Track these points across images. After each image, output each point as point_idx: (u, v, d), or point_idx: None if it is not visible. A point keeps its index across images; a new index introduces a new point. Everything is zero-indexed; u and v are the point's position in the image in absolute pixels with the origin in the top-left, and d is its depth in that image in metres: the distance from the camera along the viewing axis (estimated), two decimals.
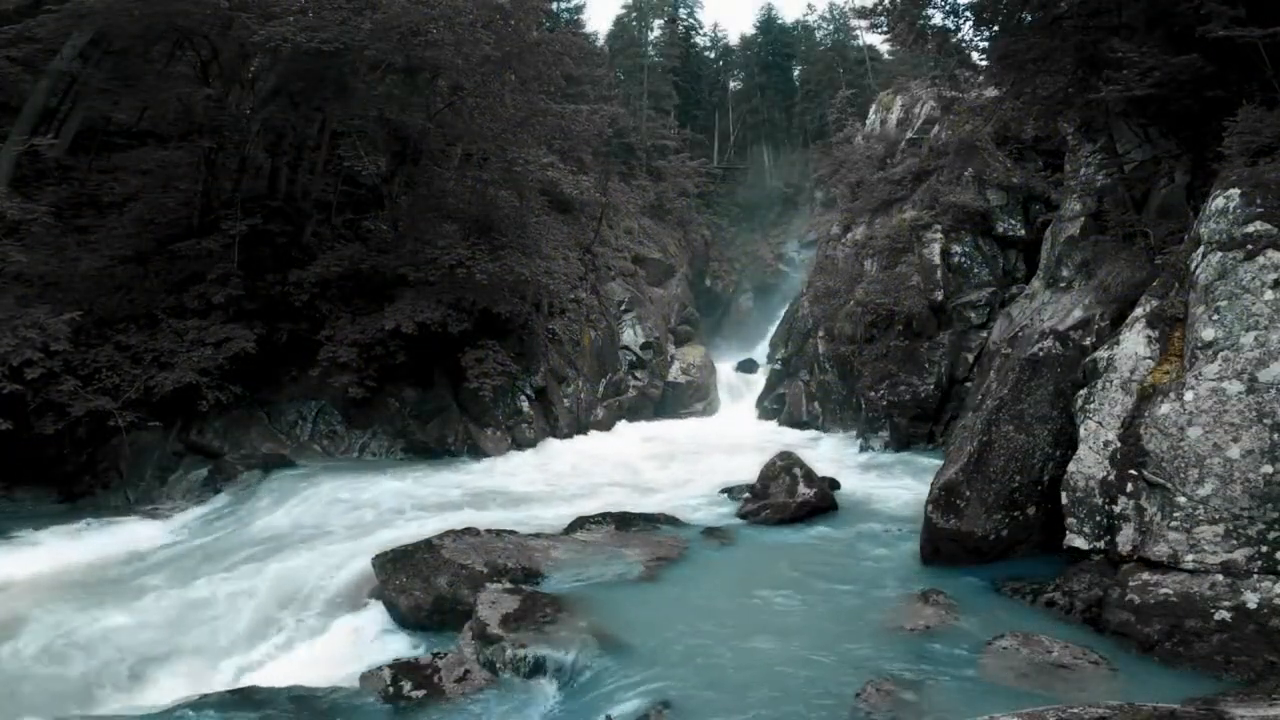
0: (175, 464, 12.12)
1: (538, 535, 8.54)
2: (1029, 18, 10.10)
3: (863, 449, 15.77)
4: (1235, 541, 5.47)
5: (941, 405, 15.71)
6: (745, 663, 5.45)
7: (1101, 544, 6.25)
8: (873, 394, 16.03)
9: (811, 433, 18.69)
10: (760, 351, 27.28)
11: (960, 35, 11.68)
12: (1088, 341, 8.21)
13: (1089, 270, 12.55)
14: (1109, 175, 11.40)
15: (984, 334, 15.89)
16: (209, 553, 8.97)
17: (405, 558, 7.41)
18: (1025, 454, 7.33)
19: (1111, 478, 6.24)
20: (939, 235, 17.29)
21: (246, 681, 5.96)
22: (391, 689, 5.60)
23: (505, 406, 15.90)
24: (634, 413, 21.16)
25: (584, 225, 22.36)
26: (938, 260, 16.95)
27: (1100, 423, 6.52)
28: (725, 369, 26.04)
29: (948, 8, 11.59)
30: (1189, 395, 5.89)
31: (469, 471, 13.23)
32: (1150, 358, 6.52)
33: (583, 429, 18.31)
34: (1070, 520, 6.48)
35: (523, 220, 16.27)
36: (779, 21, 48.35)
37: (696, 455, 15.42)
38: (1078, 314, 11.17)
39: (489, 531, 8.26)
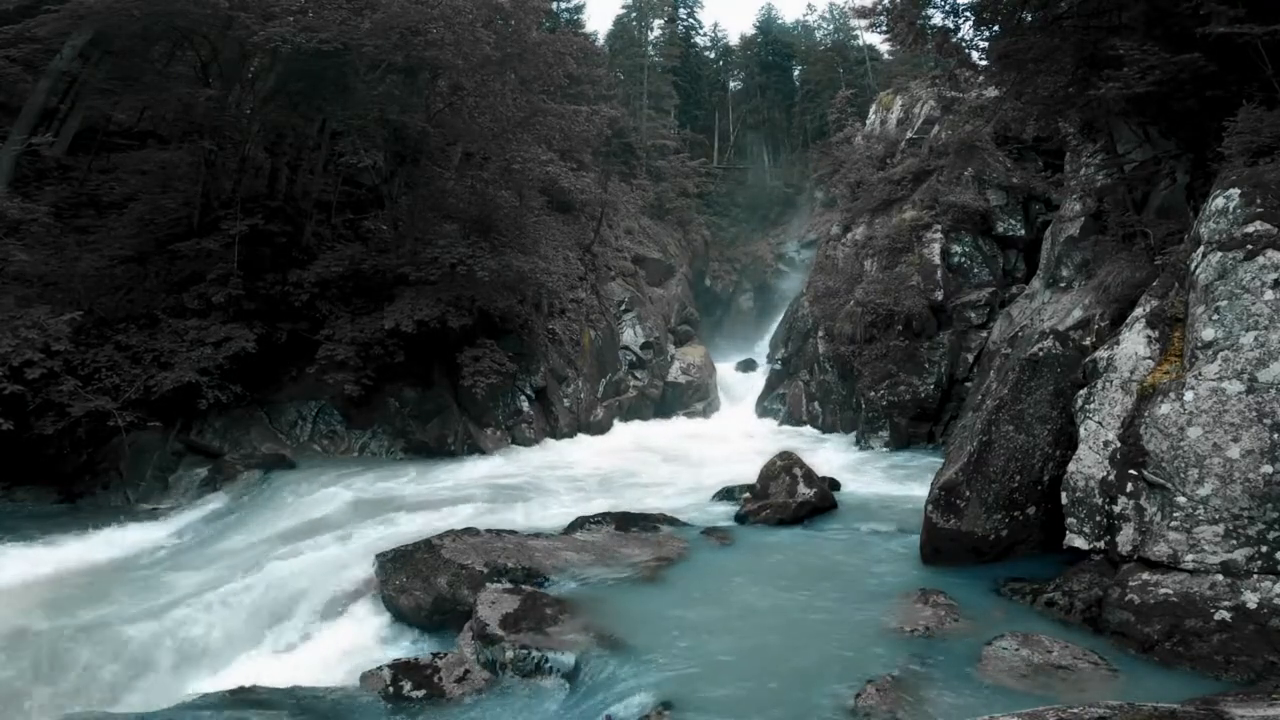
0: (175, 464, 12.11)
1: (537, 535, 8.55)
2: (1029, 17, 10.08)
3: (863, 449, 15.77)
4: (1235, 541, 5.47)
5: (941, 405, 15.71)
6: (745, 663, 5.45)
7: (1101, 544, 6.24)
8: (873, 394, 16.04)
9: (811, 433, 18.70)
10: (760, 351, 27.29)
11: (960, 35, 11.66)
12: (1088, 341, 8.21)
13: (1089, 270, 12.55)
14: (1109, 175, 11.39)
15: (984, 334, 15.89)
16: (209, 553, 8.98)
17: (405, 558, 7.41)
18: (1025, 454, 7.33)
19: (1111, 478, 6.24)
20: (939, 235, 17.30)
21: (246, 681, 5.95)
22: (391, 689, 5.60)
23: (505, 406, 15.90)
24: (634, 412, 21.17)
25: (584, 225, 22.37)
26: (938, 260, 16.96)
27: (1100, 423, 6.52)
28: (725, 369, 26.05)
29: (948, 8, 11.57)
30: (1189, 395, 5.89)
31: (469, 471, 13.22)
32: (1150, 358, 6.51)
33: (583, 429, 18.32)
34: (1070, 520, 6.47)
35: (522, 220, 16.28)
36: (779, 21, 48.46)
37: (696, 455, 15.42)
38: (1078, 314, 11.17)
39: (489, 531, 8.27)
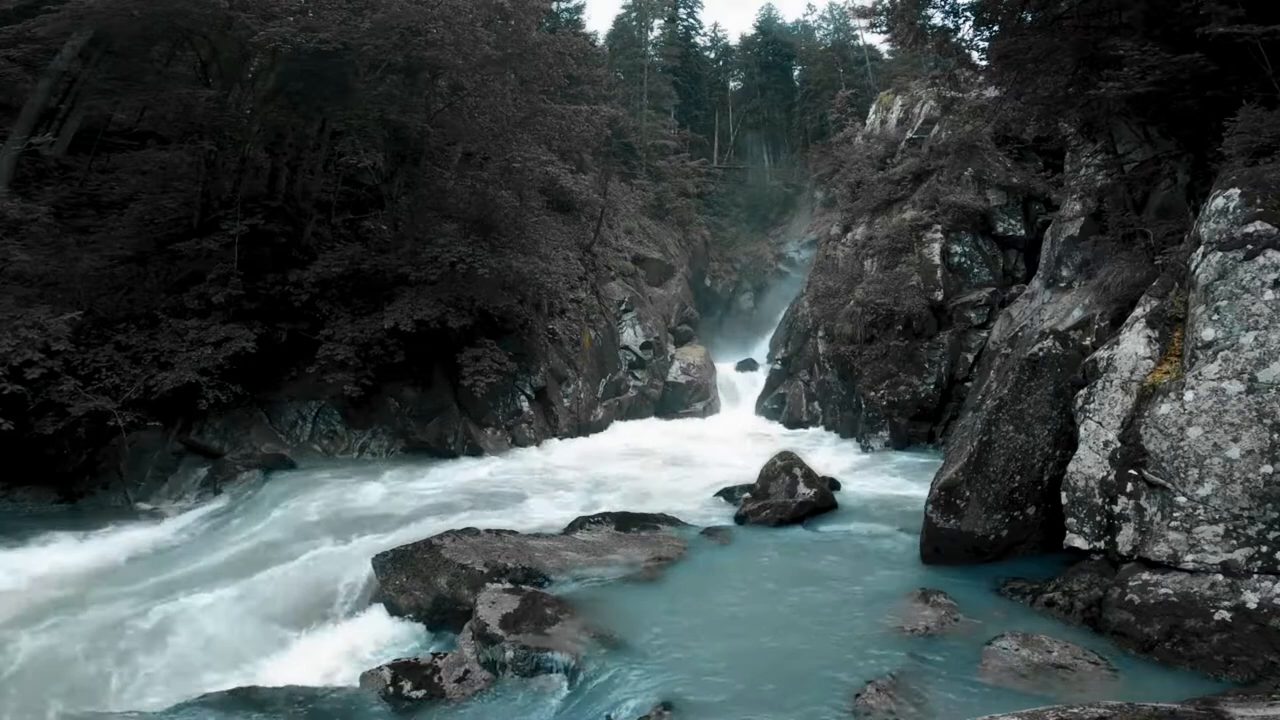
0: (175, 464, 12.10)
1: (538, 535, 8.55)
2: (1029, 17, 10.09)
3: (863, 449, 15.77)
4: (1235, 541, 5.47)
5: (941, 405, 15.71)
6: (745, 663, 5.45)
7: (1101, 544, 6.25)
8: (873, 394, 16.03)
9: (811, 433, 18.68)
10: (760, 351, 27.27)
11: (960, 35, 11.67)
12: (1088, 341, 8.21)
13: (1089, 270, 12.56)
14: (1109, 175, 11.40)
15: (984, 334, 15.89)
16: (209, 553, 8.97)
17: (405, 558, 7.41)
18: (1025, 454, 7.33)
19: (1111, 478, 6.24)
20: (939, 235, 17.29)
21: (246, 681, 5.96)
22: (391, 689, 5.61)
23: (505, 406, 15.89)
24: (634, 413, 21.15)
25: (584, 225, 22.36)
26: (938, 260, 16.96)
27: (1100, 423, 6.52)
28: (725, 369, 26.03)
29: (948, 8, 11.57)
30: (1189, 395, 5.89)
31: (469, 471, 13.20)
32: (1150, 358, 6.52)
33: (583, 429, 18.30)
34: (1070, 520, 6.48)
35: (522, 221, 16.27)
36: (779, 21, 48.40)
37: (696, 455, 15.41)
38: (1078, 314, 11.18)
39: (489, 531, 8.27)
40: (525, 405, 16.33)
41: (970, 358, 15.89)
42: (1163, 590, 5.59)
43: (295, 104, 14.44)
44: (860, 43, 42.02)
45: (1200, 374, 5.90)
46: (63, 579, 8.11)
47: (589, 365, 19.71)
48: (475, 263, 13.60)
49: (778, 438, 17.66)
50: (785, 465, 10.25)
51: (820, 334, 19.50)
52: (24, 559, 8.60)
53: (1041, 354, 7.67)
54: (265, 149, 15.26)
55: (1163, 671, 5.23)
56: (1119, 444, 6.29)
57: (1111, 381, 6.62)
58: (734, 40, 49.97)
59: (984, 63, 12.00)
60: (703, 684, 5.14)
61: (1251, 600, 5.23)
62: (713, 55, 49.05)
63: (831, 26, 45.98)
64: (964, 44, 11.76)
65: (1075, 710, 3.60)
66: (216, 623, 7.07)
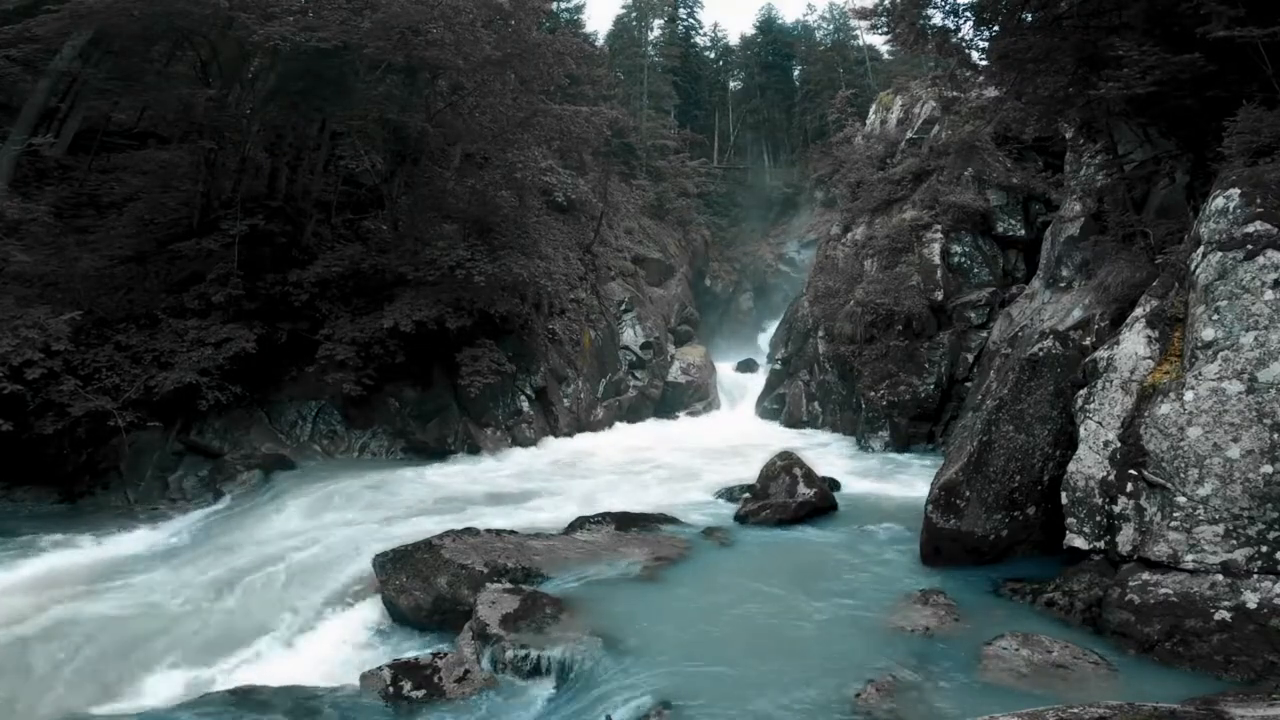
0: (175, 464, 12.09)
1: (538, 535, 8.54)
2: (1029, 17, 10.10)
3: (863, 449, 15.77)
4: (1235, 541, 5.47)
5: (941, 405, 15.71)
6: (745, 663, 5.45)
7: (1101, 544, 6.25)
8: (873, 394, 16.04)
9: (811, 433, 18.68)
10: (760, 351, 27.29)
11: (960, 35, 11.68)
12: (1088, 341, 8.22)
13: (1089, 270, 12.56)
14: (1109, 175, 11.41)
15: (984, 334, 15.89)
16: (209, 554, 8.96)
17: (405, 558, 7.41)
18: (1025, 454, 7.33)
19: (1111, 478, 6.24)
20: (939, 235, 17.30)
21: (246, 681, 5.96)
22: (391, 689, 5.61)
23: (505, 406, 15.89)
24: (634, 412, 21.15)
25: (584, 225, 22.35)
26: (938, 260, 16.97)
27: (1100, 423, 6.52)
28: (725, 369, 26.04)
29: (948, 8, 11.59)
30: (1189, 395, 5.89)
31: (469, 471, 13.21)
32: (1150, 358, 6.52)
33: (583, 428, 18.31)
34: (1070, 520, 6.48)
35: (522, 221, 16.26)
36: (779, 21, 48.34)
37: (696, 455, 15.41)
38: (1078, 314, 11.19)
39: (489, 531, 8.27)
40: (525, 405, 16.34)
41: (970, 358, 15.89)
42: (1163, 590, 5.59)
43: (295, 104, 14.43)
44: (860, 43, 42.10)
45: (1200, 374, 5.90)
46: (61, 579, 8.09)
47: (589, 365, 19.72)
48: (473, 268, 13.59)
49: (777, 438, 17.66)
50: (785, 465, 10.24)
51: (820, 334, 19.51)
52: (23, 559, 8.60)
53: (1041, 354, 7.67)
54: (265, 149, 15.25)
55: (1163, 671, 5.23)
56: (1119, 444, 6.29)
57: (1111, 381, 6.63)
58: (734, 40, 50.03)
59: (984, 63, 12.01)
60: (702, 683, 5.14)
61: (1251, 600, 5.23)
62: (713, 55, 49.06)
63: (831, 26, 46.02)
64: (964, 44, 11.77)
65: (1075, 710, 3.60)
66: (215, 623, 7.08)
